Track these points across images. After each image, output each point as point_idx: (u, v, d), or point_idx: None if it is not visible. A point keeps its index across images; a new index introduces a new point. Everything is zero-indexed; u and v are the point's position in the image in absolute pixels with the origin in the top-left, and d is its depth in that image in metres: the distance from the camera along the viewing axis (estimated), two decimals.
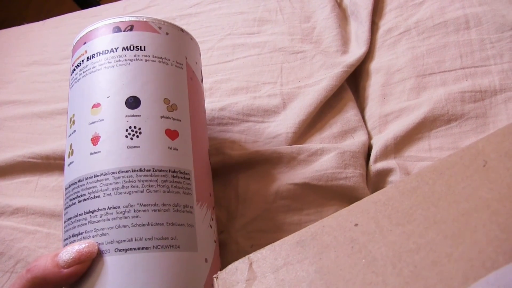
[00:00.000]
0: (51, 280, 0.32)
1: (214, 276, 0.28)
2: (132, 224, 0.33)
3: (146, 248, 0.32)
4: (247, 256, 0.28)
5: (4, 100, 0.66)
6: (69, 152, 0.37)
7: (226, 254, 0.43)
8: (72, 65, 0.42)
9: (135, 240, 0.32)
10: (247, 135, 0.52)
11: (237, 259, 0.29)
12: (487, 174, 0.27)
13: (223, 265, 0.29)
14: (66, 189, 0.37)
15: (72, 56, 0.42)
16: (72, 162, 0.37)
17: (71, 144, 0.37)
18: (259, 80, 0.57)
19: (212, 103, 0.55)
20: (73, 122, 0.38)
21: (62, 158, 0.53)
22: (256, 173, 0.48)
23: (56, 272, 0.32)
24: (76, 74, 0.40)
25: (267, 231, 0.44)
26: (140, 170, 0.34)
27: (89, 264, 0.32)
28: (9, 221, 0.50)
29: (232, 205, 0.47)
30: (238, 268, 0.28)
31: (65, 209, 0.36)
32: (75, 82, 0.40)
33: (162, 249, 0.33)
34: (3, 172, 0.55)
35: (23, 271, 0.32)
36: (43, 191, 0.53)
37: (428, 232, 0.25)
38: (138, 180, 0.34)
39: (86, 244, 0.32)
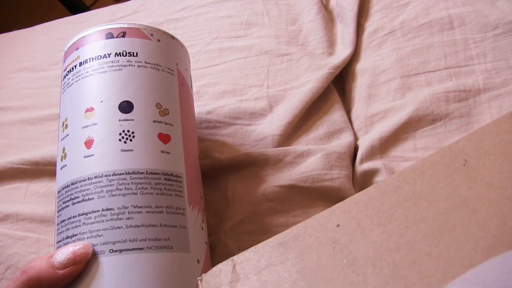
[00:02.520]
0: (46, 281, 0.32)
1: (198, 278, 0.28)
2: (126, 225, 0.33)
3: (140, 249, 0.33)
4: (230, 258, 0.28)
5: None
6: (62, 155, 0.38)
7: (215, 256, 0.43)
8: (64, 70, 0.42)
9: (129, 241, 0.33)
10: (234, 138, 0.52)
11: None
12: (467, 173, 0.27)
13: (212, 266, 0.29)
14: (58, 192, 0.37)
15: (64, 62, 0.43)
16: (65, 165, 0.37)
17: (63, 147, 0.38)
18: (246, 83, 0.57)
19: (199, 107, 0.55)
20: (66, 126, 0.39)
21: (52, 164, 0.54)
22: (243, 175, 0.48)
23: (51, 273, 0.32)
24: (68, 79, 0.41)
25: (255, 233, 0.45)
26: (133, 172, 0.35)
27: (84, 265, 0.32)
28: None
29: (221, 208, 0.47)
30: (221, 270, 0.28)
31: (58, 212, 0.36)
32: (68, 87, 0.40)
33: (155, 250, 0.33)
34: None
35: (17, 273, 0.32)
36: (33, 197, 0.53)
37: (408, 231, 0.26)
38: (132, 182, 0.35)
39: (81, 245, 0.32)
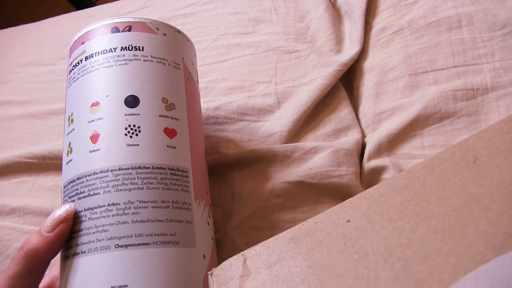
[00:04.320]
0: (41, 248, 0.33)
1: (208, 272, 0.28)
2: (132, 220, 0.33)
3: (146, 244, 0.33)
4: (241, 253, 0.28)
5: (0, 101, 0.66)
6: (68, 150, 0.38)
7: (222, 252, 0.44)
8: (70, 65, 0.42)
9: (135, 236, 0.33)
10: (242, 134, 0.52)
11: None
12: (477, 170, 0.27)
13: (219, 263, 0.29)
14: (64, 186, 0.37)
15: (70, 56, 0.43)
16: (71, 160, 0.37)
17: (69, 142, 0.38)
18: (254, 80, 0.57)
19: (207, 103, 0.55)
20: (72, 120, 0.38)
21: (58, 158, 0.54)
22: (251, 171, 0.48)
23: (44, 239, 0.33)
24: (74, 74, 0.40)
25: (262, 229, 0.45)
26: (139, 167, 0.35)
27: (71, 222, 0.34)
28: (6, 221, 0.50)
29: (228, 204, 0.47)
30: (232, 265, 0.28)
31: None
32: (74, 81, 0.40)
33: (161, 245, 0.33)
34: (0, 172, 0.55)
35: (16, 252, 0.34)
36: (39, 191, 0.53)
37: (419, 227, 0.26)
38: (137, 177, 0.35)
39: (63, 206, 0.34)
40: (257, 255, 0.28)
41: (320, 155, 0.47)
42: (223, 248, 0.44)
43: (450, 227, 0.25)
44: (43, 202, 0.51)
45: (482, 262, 0.23)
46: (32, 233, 0.48)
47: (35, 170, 0.55)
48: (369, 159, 0.48)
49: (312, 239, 0.28)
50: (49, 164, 0.54)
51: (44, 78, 0.68)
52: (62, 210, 0.34)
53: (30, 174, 0.55)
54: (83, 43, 0.41)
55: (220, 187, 0.48)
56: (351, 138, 0.50)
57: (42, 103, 0.64)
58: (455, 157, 0.28)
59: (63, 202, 0.36)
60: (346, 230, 0.27)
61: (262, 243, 0.29)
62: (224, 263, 0.28)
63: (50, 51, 0.73)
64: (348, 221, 0.28)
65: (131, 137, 0.36)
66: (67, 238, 0.34)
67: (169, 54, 0.41)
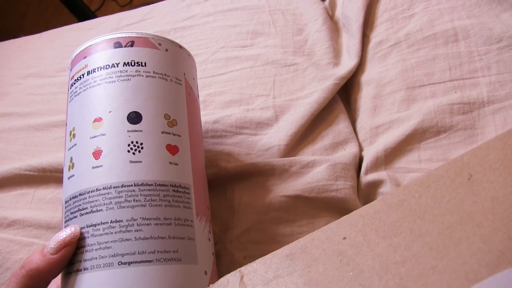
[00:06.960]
0: (44, 269, 0.33)
1: None
2: (135, 237, 0.33)
3: (149, 261, 0.33)
4: (238, 269, 0.29)
5: (0, 112, 0.66)
6: (69, 165, 0.38)
7: (220, 265, 0.44)
8: (71, 79, 0.42)
9: (138, 253, 0.33)
10: (240, 147, 0.52)
11: (231, 270, 0.29)
12: (472, 187, 0.27)
13: (218, 277, 0.29)
14: (66, 202, 0.37)
15: (71, 69, 0.43)
16: (73, 175, 0.37)
17: (71, 157, 0.38)
18: (252, 93, 0.57)
19: (206, 116, 0.55)
20: (74, 135, 0.38)
21: (58, 171, 0.54)
22: (249, 185, 0.48)
23: (47, 260, 0.33)
24: (76, 88, 0.40)
25: (260, 243, 0.45)
26: (142, 184, 0.35)
27: (75, 245, 0.34)
28: (6, 233, 0.50)
29: (226, 217, 0.47)
30: (229, 281, 0.28)
31: (65, 222, 0.36)
32: (75, 96, 0.40)
33: (164, 262, 0.33)
34: (0, 184, 0.55)
35: (17, 269, 0.34)
36: (39, 203, 0.53)
37: (414, 244, 0.26)
38: (140, 194, 0.35)
39: (67, 228, 0.34)
40: (254, 272, 0.28)
41: (318, 169, 0.48)
42: (222, 261, 0.44)
43: (445, 245, 0.25)
44: (43, 215, 0.51)
45: (476, 280, 0.23)
46: (33, 249, 0.49)
47: (35, 183, 0.55)
48: (366, 172, 0.48)
49: (308, 256, 0.28)
50: (49, 176, 0.54)
51: (44, 90, 0.69)
52: (67, 233, 0.34)
53: (30, 186, 0.55)
54: (85, 57, 0.41)
55: (218, 200, 0.48)
56: (348, 151, 0.50)
57: (43, 115, 0.64)
58: (450, 174, 0.29)
59: (65, 217, 0.37)
60: (342, 247, 0.28)
61: (259, 259, 0.29)
62: (221, 279, 0.29)
63: (51, 63, 0.74)
64: (344, 238, 0.28)
65: (134, 153, 0.36)
66: (69, 260, 0.34)
67: (171, 69, 0.41)
